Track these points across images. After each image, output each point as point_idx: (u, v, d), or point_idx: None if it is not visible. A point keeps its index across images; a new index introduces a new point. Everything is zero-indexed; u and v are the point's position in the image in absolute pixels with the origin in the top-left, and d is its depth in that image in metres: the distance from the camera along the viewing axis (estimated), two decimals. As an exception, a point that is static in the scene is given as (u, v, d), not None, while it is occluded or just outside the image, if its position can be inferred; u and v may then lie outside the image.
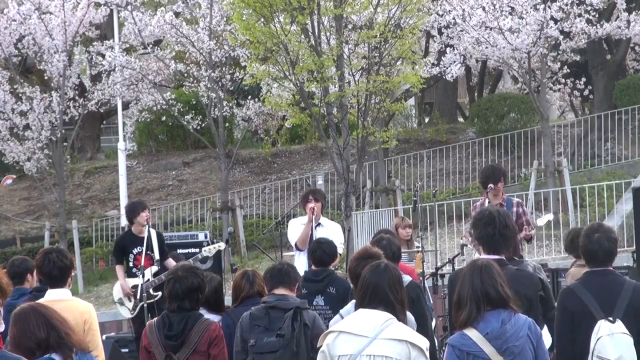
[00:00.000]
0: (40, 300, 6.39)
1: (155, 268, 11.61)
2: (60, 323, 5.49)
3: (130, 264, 11.84)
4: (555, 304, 6.80)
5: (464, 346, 5.59)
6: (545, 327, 7.28)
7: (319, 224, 10.88)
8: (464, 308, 5.62)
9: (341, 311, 6.68)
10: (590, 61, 25.14)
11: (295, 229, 11.00)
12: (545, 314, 7.21)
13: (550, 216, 12.29)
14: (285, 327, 6.79)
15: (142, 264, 11.42)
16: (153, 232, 11.92)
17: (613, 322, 6.17)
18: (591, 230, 6.59)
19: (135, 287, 11.70)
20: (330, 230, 10.83)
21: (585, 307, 6.30)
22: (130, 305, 11.79)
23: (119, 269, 12.02)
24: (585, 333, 6.23)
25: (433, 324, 9.93)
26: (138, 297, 11.53)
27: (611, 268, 6.51)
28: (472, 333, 5.58)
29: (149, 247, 11.72)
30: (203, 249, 12.40)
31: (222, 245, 12.48)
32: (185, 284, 6.70)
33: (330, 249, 8.83)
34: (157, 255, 11.77)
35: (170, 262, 11.58)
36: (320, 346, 5.70)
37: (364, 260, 6.49)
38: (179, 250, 13.18)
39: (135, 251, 11.82)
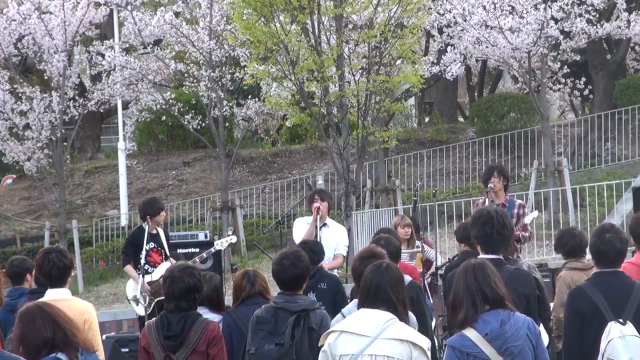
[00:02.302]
0: (41, 299, 6.40)
1: (167, 264, 11.56)
2: (66, 322, 5.51)
3: (142, 261, 11.78)
4: (551, 303, 6.80)
5: (464, 347, 5.58)
6: (542, 326, 7.27)
7: (324, 225, 10.87)
8: (460, 308, 5.61)
9: (343, 310, 6.67)
10: (590, 61, 25.15)
11: (301, 228, 10.98)
12: (540, 314, 7.21)
13: (535, 214, 12.29)
14: (286, 335, 6.70)
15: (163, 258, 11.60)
16: (160, 230, 12.04)
17: (624, 324, 6.15)
18: (602, 230, 6.57)
19: (151, 283, 11.68)
20: (335, 232, 10.82)
21: (595, 307, 6.28)
22: (146, 302, 11.72)
23: (130, 269, 11.99)
24: (594, 334, 6.21)
25: (433, 323, 9.93)
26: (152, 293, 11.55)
27: (620, 269, 6.49)
28: (472, 334, 5.57)
29: (161, 244, 11.84)
30: (215, 242, 12.41)
31: (234, 238, 12.51)
32: (181, 284, 6.69)
33: (317, 247, 8.82)
34: (168, 252, 11.89)
35: (173, 261, 11.58)
36: (322, 346, 5.70)
37: (367, 259, 6.48)
38: (179, 250, 13.15)
39: (148, 247, 11.82)
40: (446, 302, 8.26)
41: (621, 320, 6.16)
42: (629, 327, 6.14)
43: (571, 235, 8.71)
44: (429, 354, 5.55)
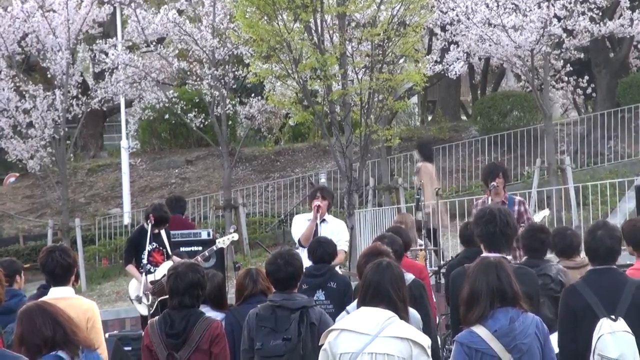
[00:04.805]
0: (44, 298, 6.43)
1: (170, 263, 11.58)
2: (67, 321, 5.54)
3: (144, 261, 11.79)
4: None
5: (473, 343, 5.60)
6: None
7: (323, 220, 10.93)
8: (477, 305, 5.61)
9: (348, 307, 6.68)
10: (593, 59, 25.14)
11: (299, 225, 11.03)
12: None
13: (546, 212, 12.28)
14: (292, 330, 6.73)
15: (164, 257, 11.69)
16: (162, 230, 12.06)
17: (615, 320, 6.17)
18: (595, 227, 6.61)
19: (153, 282, 11.70)
20: (334, 227, 10.85)
21: (587, 305, 6.31)
22: (148, 301, 11.74)
23: (132, 268, 12.00)
24: (587, 331, 6.24)
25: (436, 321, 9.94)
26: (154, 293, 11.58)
27: (614, 266, 6.51)
28: (481, 330, 5.59)
29: (162, 243, 11.87)
30: (217, 240, 12.44)
31: (235, 236, 12.54)
32: (185, 280, 6.71)
33: (330, 247, 8.86)
34: (169, 251, 11.93)
35: (177, 259, 11.60)
36: (323, 344, 5.71)
37: (373, 257, 6.50)
38: (182, 249, 13.16)
39: (150, 247, 11.84)
40: (448, 299, 8.28)
41: (613, 316, 6.18)
42: (620, 323, 6.16)
43: (562, 236, 8.69)
44: (429, 352, 5.55)
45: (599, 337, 6.12)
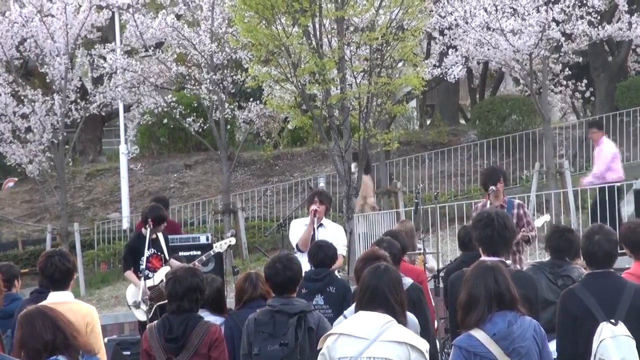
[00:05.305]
0: (43, 302, 6.43)
1: (167, 268, 11.58)
2: (67, 325, 5.55)
3: (143, 266, 11.79)
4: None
5: (471, 347, 5.60)
6: None
7: (320, 225, 10.94)
8: (475, 309, 5.61)
9: (345, 312, 6.69)
10: (591, 63, 25.16)
11: (297, 230, 11.05)
12: None
13: (547, 217, 12.29)
14: (289, 335, 6.72)
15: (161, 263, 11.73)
16: (160, 235, 12.05)
17: (615, 324, 6.18)
18: (592, 232, 6.62)
19: (151, 288, 11.70)
20: (332, 232, 10.86)
21: (587, 309, 6.32)
22: (146, 307, 11.74)
23: (131, 275, 12.00)
24: (587, 335, 6.24)
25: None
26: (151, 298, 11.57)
27: (612, 270, 6.52)
28: (479, 334, 5.59)
29: (160, 249, 11.87)
30: (214, 245, 12.46)
31: (232, 240, 12.57)
32: (184, 284, 6.72)
33: (330, 251, 8.88)
34: (167, 256, 11.93)
35: (174, 263, 11.60)
36: (321, 348, 5.71)
37: (370, 261, 6.50)
38: (181, 253, 13.17)
39: (148, 253, 11.85)
40: (447, 304, 8.28)
41: (613, 320, 6.19)
42: (621, 327, 6.16)
43: None
44: (427, 356, 5.55)
45: (600, 342, 6.13)
